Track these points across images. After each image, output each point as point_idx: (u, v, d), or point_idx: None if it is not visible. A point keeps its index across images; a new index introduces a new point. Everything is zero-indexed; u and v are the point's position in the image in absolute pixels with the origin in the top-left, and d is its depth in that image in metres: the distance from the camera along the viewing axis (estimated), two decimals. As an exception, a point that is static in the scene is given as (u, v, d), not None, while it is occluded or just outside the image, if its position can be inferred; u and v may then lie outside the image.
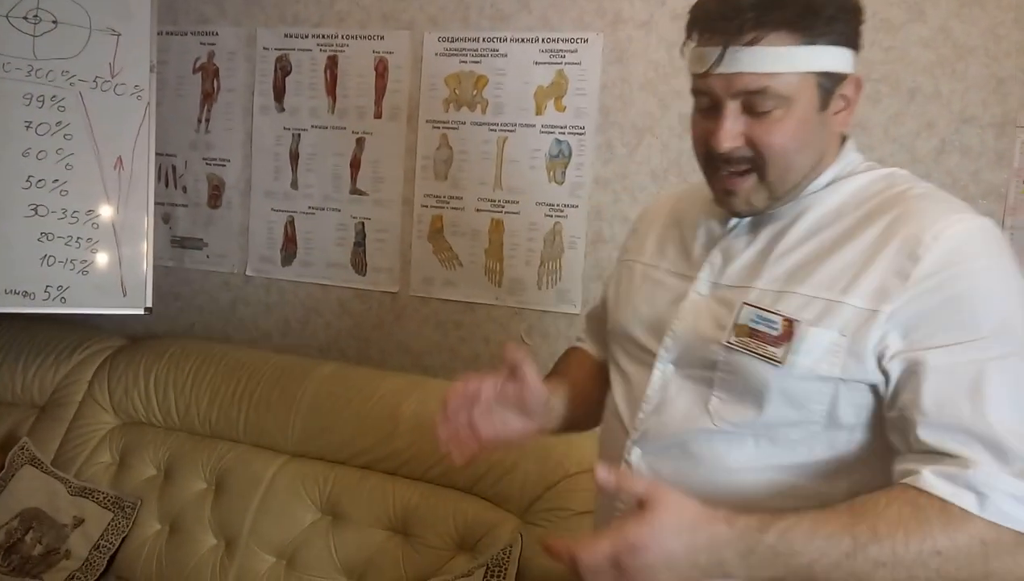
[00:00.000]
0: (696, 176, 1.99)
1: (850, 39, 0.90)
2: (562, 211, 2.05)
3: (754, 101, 0.87)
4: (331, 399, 2.00)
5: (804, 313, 0.86)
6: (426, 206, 2.19)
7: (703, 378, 0.92)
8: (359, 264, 2.28)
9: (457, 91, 2.13)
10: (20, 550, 1.98)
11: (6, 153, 1.96)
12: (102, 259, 2.04)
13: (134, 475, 2.09)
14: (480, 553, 1.70)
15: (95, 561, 1.97)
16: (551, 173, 2.06)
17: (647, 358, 0.99)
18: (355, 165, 2.26)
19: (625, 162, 2.00)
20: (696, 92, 0.94)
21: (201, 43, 2.40)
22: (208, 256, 2.44)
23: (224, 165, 2.40)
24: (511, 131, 2.09)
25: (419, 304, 2.22)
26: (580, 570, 0.80)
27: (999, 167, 1.73)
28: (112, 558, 1.99)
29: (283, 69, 2.31)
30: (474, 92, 2.12)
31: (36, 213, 1.99)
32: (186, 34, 2.41)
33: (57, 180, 2.00)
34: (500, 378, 1.00)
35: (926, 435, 0.80)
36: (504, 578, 1.59)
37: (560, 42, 2.03)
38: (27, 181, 1.98)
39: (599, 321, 1.21)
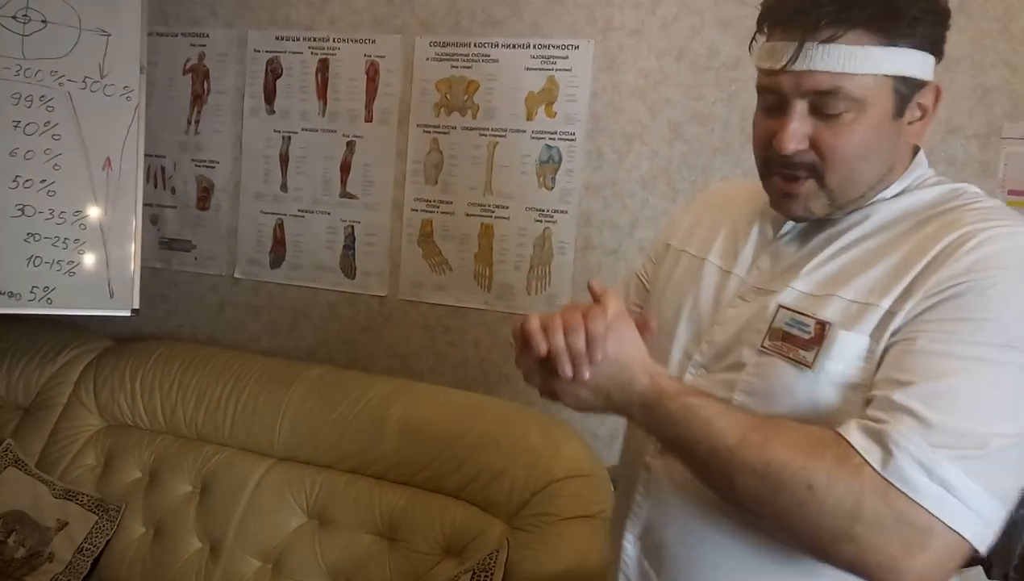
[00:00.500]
0: (683, 186, 2.00)
1: (934, 44, 0.86)
2: (552, 217, 2.06)
3: (825, 102, 0.83)
4: (319, 403, 1.99)
5: (838, 316, 0.83)
6: (416, 210, 2.19)
7: (728, 381, 0.89)
8: (348, 267, 2.28)
9: (448, 96, 2.14)
10: (2, 553, 1.97)
11: (-7, 153, 1.95)
12: (89, 260, 2.03)
13: (119, 478, 2.08)
14: (467, 558, 1.69)
15: (79, 564, 1.96)
16: (541, 178, 2.06)
17: (683, 359, 0.96)
18: (345, 168, 2.25)
19: (615, 169, 2.01)
20: (762, 90, 0.89)
21: (191, 44, 2.39)
22: (196, 258, 2.44)
23: (213, 167, 2.40)
24: (502, 136, 2.09)
25: (408, 308, 2.22)
26: (520, 355, 0.88)
27: (984, 178, 1.74)
28: (96, 561, 1.97)
29: (274, 72, 2.31)
30: (465, 97, 2.12)
31: (23, 213, 1.98)
32: (176, 35, 2.40)
33: (45, 180, 1.99)
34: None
35: (872, 405, 0.78)
36: (490, 583, 1.60)
37: (551, 48, 2.04)
38: (14, 181, 1.97)
39: (623, 298, 1.12)
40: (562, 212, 2.05)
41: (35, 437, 2.18)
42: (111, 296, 2.04)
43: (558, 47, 2.03)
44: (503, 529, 1.71)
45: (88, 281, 2.02)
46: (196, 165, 2.41)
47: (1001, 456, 0.73)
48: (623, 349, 0.84)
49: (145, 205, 2.14)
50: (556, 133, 2.04)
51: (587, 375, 0.84)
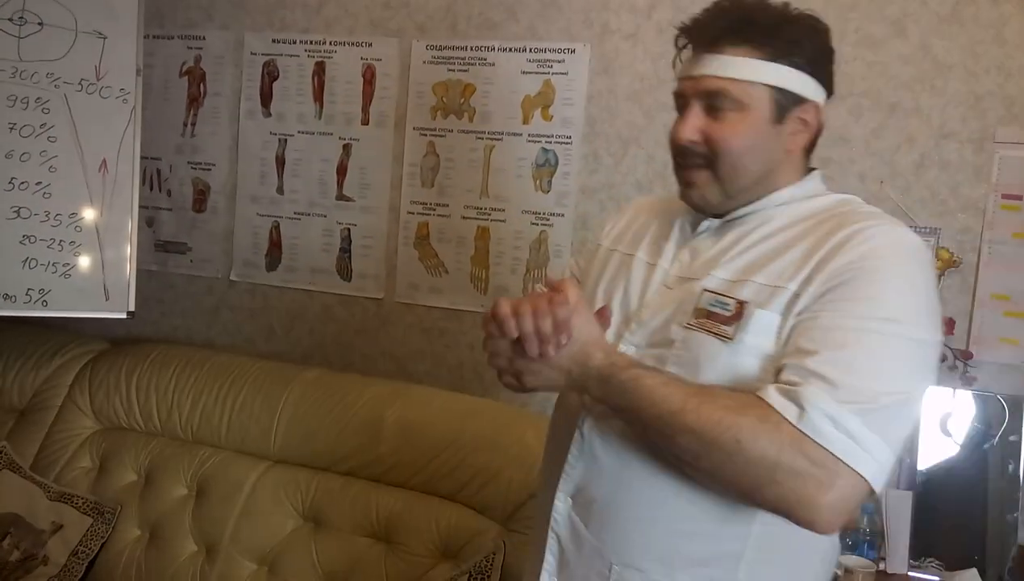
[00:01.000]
0: (678, 188, 2.00)
1: (814, 69, 1.01)
2: (548, 220, 2.07)
3: (714, 102, 0.99)
4: (314, 405, 1.99)
5: (753, 297, 0.96)
6: (412, 213, 2.20)
7: (660, 356, 1.00)
8: (344, 270, 2.28)
9: (445, 99, 2.14)
10: (-4, 556, 1.96)
11: (-12, 155, 1.95)
12: (85, 262, 2.03)
13: (114, 480, 2.07)
14: (463, 561, 1.70)
15: (73, 567, 1.95)
16: (537, 182, 2.07)
17: (615, 340, 1.06)
18: (342, 171, 2.26)
19: (611, 172, 2.02)
20: (675, 96, 1.06)
21: (188, 47, 2.39)
22: (192, 260, 2.43)
23: (209, 169, 2.40)
24: (498, 139, 2.10)
25: (404, 311, 2.23)
26: (487, 337, 1.00)
27: (977, 182, 1.76)
28: (91, 564, 1.97)
29: (270, 74, 2.31)
30: (461, 100, 2.13)
31: (19, 215, 1.97)
32: (173, 38, 2.40)
33: (40, 182, 1.99)
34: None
35: (783, 373, 0.89)
36: (487, 586, 1.60)
37: (547, 52, 2.04)
38: (10, 183, 1.96)
39: None
40: (558, 215, 2.06)
41: (30, 439, 2.18)
42: (107, 298, 2.04)
43: (554, 51, 2.04)
44: (499, 531, 1.71)
45: (84, 283, 2.02)
46: (192, 167, 2.41)
47: (891, 410, 0.87)
48: (582, 330, 0.97)
49: (141, 207, 2.14)
50: (552, 136, 2.05)
51: (553, 354, 0.96)
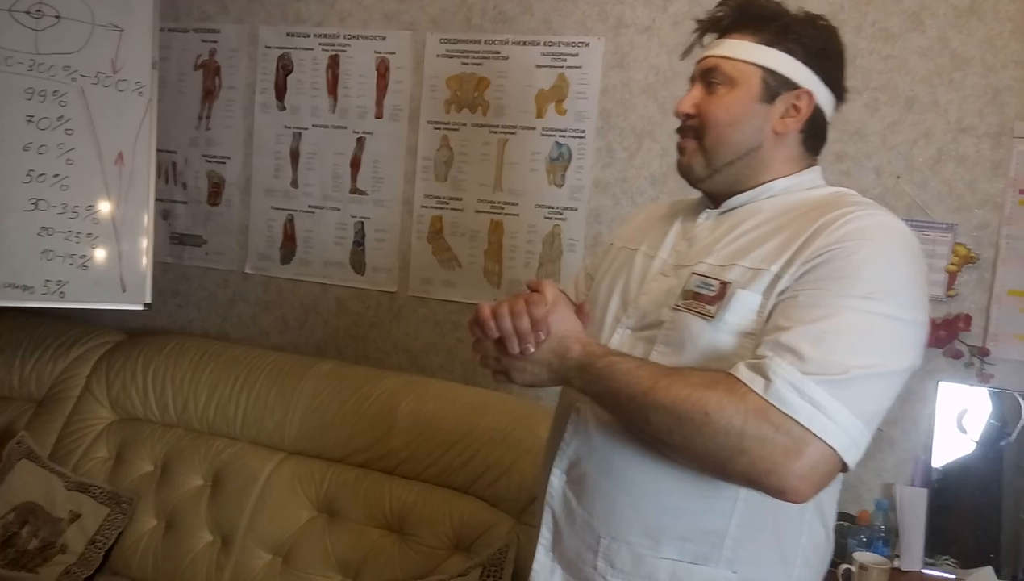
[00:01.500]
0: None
1: (811, 60, 1.06)
2: (561, 214, 2.07)
3: (710, 79, 1.07)
4: (328, 397, 2.00)
5: (737, 279, 1.00)
6: (426, 207, 2.20)
7: (649, 336, 1.05)
8: (358, 263, 2.29)
9: (458, 92, 2.14)
10: (16, 544, 1.99)
11: (7, 147, 1.96)
12: (101, 254, 2.04)
13: (131, 471, 2.09)
14: (476, 553, 1.71)
15: (91, 556, 1.97)
16: (551, 176, 2.07)
17: (613, 324, 1.12)
18: (355, 165, 2.26)
19: (625, 166, 2.01)
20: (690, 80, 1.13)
21: (203, 40, 2.40)
22: (207, 253, 2.45)
23: (224, 162, 2.41)
24: (512, 133, 2.10)
25: (417, 304, 2.23)
26: (476, 342, 1.07)
27: (995, 177, 1.74)
28: (108, 553, 1.99)
29: (285, 68, 2.32)
30: (475, 94, 2.13)
31: (36, 207, 1.99)
32: (188, 31, 2.41)
33: (58, 175, 2.01)
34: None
35: (760, 348, 0.93)
36: (500, 579, 1.61)
37: (562, 45, 2.04)
38: (27, 175, 1.98)
39: (573, 292, 1.33)
40: (572, 209, 2.06)
41: (48, 429, 2.20)
42: (123, 290, 2.06)
43: (569, 44, 2.03)
44: (512, 525, 1.72)
45: (101, 275, 2.04)
46: (207, 161, 2.42)
47: (861, 383, 0.89)
48: (560, 326, 1.03)
49: (157, 200, 2.15)
50: (566, 130, 2.05)
51: (532, 350, 1.02)
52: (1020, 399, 1.69)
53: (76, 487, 2.06)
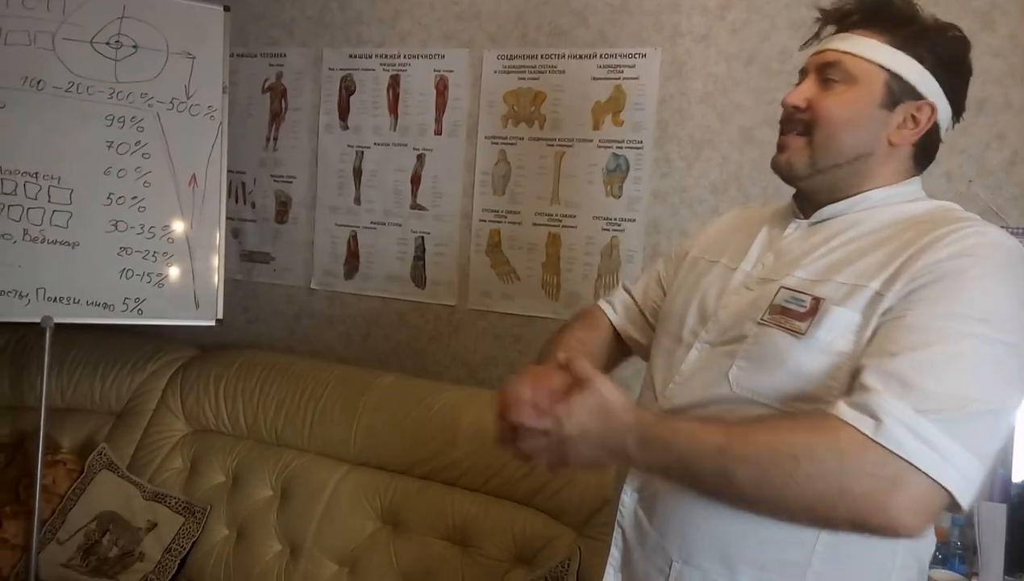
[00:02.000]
0: (754, 192, 1.97)
1: (939, 73, 0.99)
2: (619, 225, 2.06)
3: (828, 74, 1.00)
4: (391, 410, 2.04)
5: (831, 295, 0.93)
6: (484, 220, 2.22)
7: (730, 351, 0.99)
8: (419, 278, 2.32)
9: (515, 107, 2.17)
10: (97, 552, 2.07)
11: (89, 172, 2.06)
12: (176, 272, 2.13)
13: (204, 481, 2.16)
14: (537, 566, 1.71)
15: (167, 564, 2.04)
16: (608, 187, 2.07)
17: (691, 339, 1.06)
18: (415, 181, 2.31)
19: (683, 176, 2.00)
20: (800, 73, 1.07)
21: (270, 64, 2.49)
22: (275, 269, 2.53)
23: (291, 182, 2.49)
24: (568, 146, 2.11)
25: (477, 317, 2.25)
26: (519, 441, 0.96)
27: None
28: (183, 562, 2.06)
29: (347, 88, 2.38)
30: (532, 108, 2.15)
31: (116, 228, 2.09)
32: (256, 56, 2.50)
33: (136, 197, 2.10)
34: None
35: (864, 375, 0.85)
36: (562, 591, 1.60)
37: (618, 57, 2.04)
38: (108, 198, 2.08)
39: (641, 295, 1.29)
40: (630, 220, 2.05)
41: (127, 441, 2.29)
42: (197, 307, 2.14)
43: (624, 56, 2.03)
44: (574, 538, 1.72)
45: (175, 293, 2.12)
46: (275, 180, 2.51)
47: (980, 419, 0.82)
48: (602, 401, 0.91)
49: (227, 219, 2.23)
50: (623, 141, 2.04)
51: (552, 427, 0.92)
52: (1108, 411, 1.61)
53: (153, 497, 2.14)
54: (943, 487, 0.80)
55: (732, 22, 1.92)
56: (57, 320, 2.00)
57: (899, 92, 0.98)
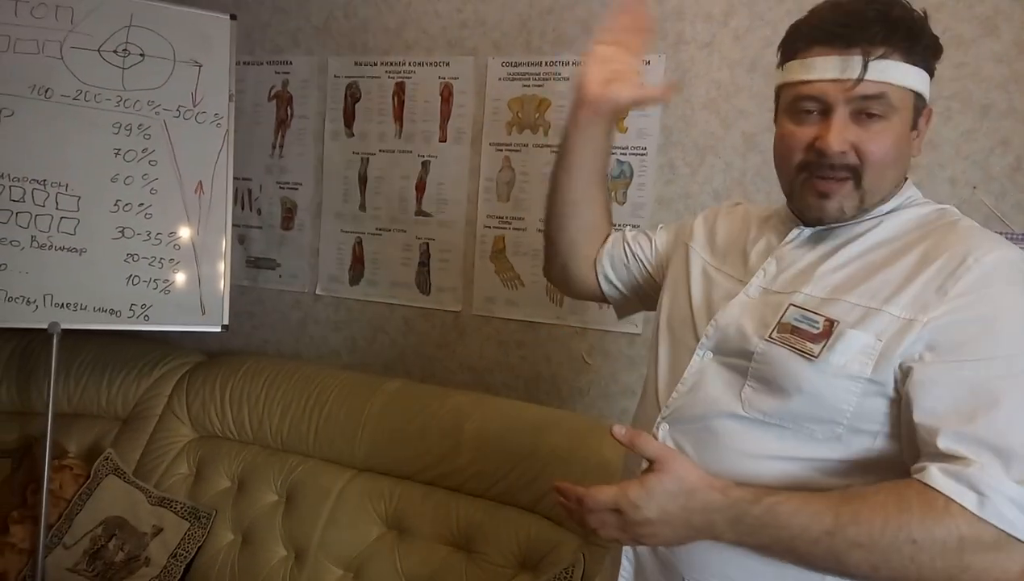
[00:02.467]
0: (758, 195, 1.97)
1: (931, 70, 0.98)
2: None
3: (869, 105, 0.92)
4: (396, 415, 2.04)
5: (844, 317, 0.91)
6: (489, 227, 2.23)
7: (739, 367, 0.97)
8: (423, 284, 2.33)
9: (520, 114, 2.17)
10: (104, 556, 2.08)
11: (97, 179, 2.07)
12: (182, 279, 2.14)
13: (210, 486, 2.17)
14: (542, 572, 1.71)
15: (172, 569, 2.05)
16: (612, 193, 2.07)
17: (691, 343, 1.05)
18: (420, 187, 2.32)
19: (687, 182, 2.00)
20: (801, 99, 0.96)
21: (276, 72, 2.50)
22: (281, 276, 2.54)
23: (297, 188, 2.50)
24: (573, 153, 2.10)
25: (481, 323, 2.26)
26: (585, 515, 0.93)
27: (1080, 184, 1.67)
28: (188, 567, 2.07)
29: (353, 96, 2.40)
30: (536, 115, 2.15)
31: (123, 235, 2.10)
32: (262, 64, 2.52)
33: (143, 204, 2.11)
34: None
35: (941, 441, 0.83)
36: (566, 597, 1.60)
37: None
38: (115, 205, 2.09)
39: (647, 247, 1.31)
40: (634, 226, 2.05)
41: (133, 446, 2.30)
42: (203, 313, 2.15)
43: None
44: (578, 544, 1.71)
45: (182, 299, 2.13)
46: (281, 187, 2.52)
47: None
48: (680, 483, 0.89)
49: (233, 226, 2.24)
50: (627, 148, 2.05)
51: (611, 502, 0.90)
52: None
53: (159, 502, 2.14)
54: None
55: (735, 29, 1.93)
56: (64, 326, 2.01)
57: (919, 108, 0.97)
